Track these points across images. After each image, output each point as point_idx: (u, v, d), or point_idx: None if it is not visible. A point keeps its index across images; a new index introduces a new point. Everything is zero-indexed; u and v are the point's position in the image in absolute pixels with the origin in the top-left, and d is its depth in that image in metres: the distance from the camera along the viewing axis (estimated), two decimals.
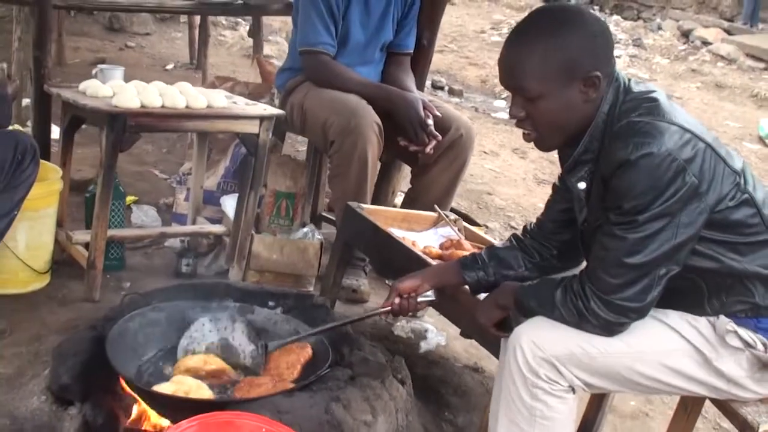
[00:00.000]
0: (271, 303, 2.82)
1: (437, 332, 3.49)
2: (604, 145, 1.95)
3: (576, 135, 2.01)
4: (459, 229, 3.36)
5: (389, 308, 2.35)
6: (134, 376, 2.40)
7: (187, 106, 3.28)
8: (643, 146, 1.81)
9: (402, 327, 3.49)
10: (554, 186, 2.30)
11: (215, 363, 2.51)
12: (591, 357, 1.95)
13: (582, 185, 2.03)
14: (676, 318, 2.01)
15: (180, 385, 2.31)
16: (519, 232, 2.40)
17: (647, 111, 1.90)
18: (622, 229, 1.86)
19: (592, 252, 1.98)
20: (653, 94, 1.96)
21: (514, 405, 2.00)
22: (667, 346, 1.98)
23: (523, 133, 2.06)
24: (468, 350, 3.43)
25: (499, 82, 2.05)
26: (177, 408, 2.18)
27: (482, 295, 2.33)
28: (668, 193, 1.82)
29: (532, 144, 2.06)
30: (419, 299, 2.36)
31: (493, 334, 2.23)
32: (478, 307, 2.27)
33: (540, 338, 1.96)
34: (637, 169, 1.81)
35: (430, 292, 2.38)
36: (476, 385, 3.16)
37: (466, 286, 2.36)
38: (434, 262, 2.73)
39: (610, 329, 1.93)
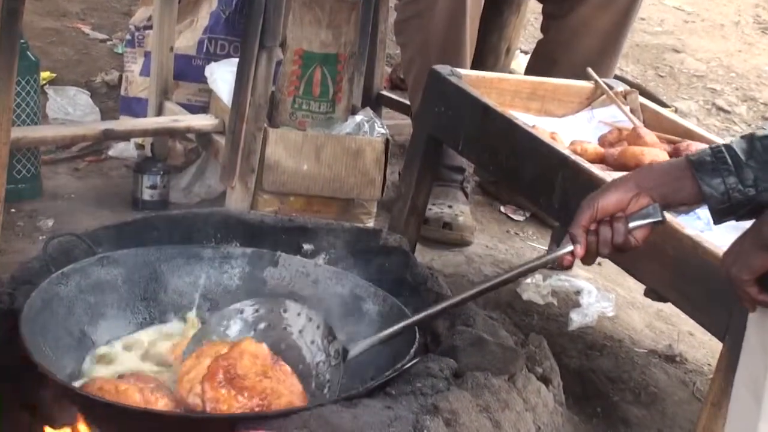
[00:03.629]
0: (306, 246, 2.85)
1: (598, 294, 3.51)
2: None
3: None
4: (633, 110, 3.35)
5: (570, 249, 2.24)
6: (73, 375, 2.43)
7: None
8: None
9: (536, 285, 3.51)
10: None
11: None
12: None
13: None
14: None
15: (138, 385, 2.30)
16: None
17: None
18: None
19: None
20: None
21: None
22: None
23: None
24: (653, 324, 3.46)
25: None
26: (157, 428, 2.20)
27: (726, 232, 2.32)
28: None
29: None
30: (631, 224, 2.24)
31: (753, 299, 2.15)
32: (731, 247, 2.20)
33: None
34: None
35: (650, 208, 2.25)
36: (673, 384, 3.19)
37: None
38: (596, 172, 2.74)
39: None
